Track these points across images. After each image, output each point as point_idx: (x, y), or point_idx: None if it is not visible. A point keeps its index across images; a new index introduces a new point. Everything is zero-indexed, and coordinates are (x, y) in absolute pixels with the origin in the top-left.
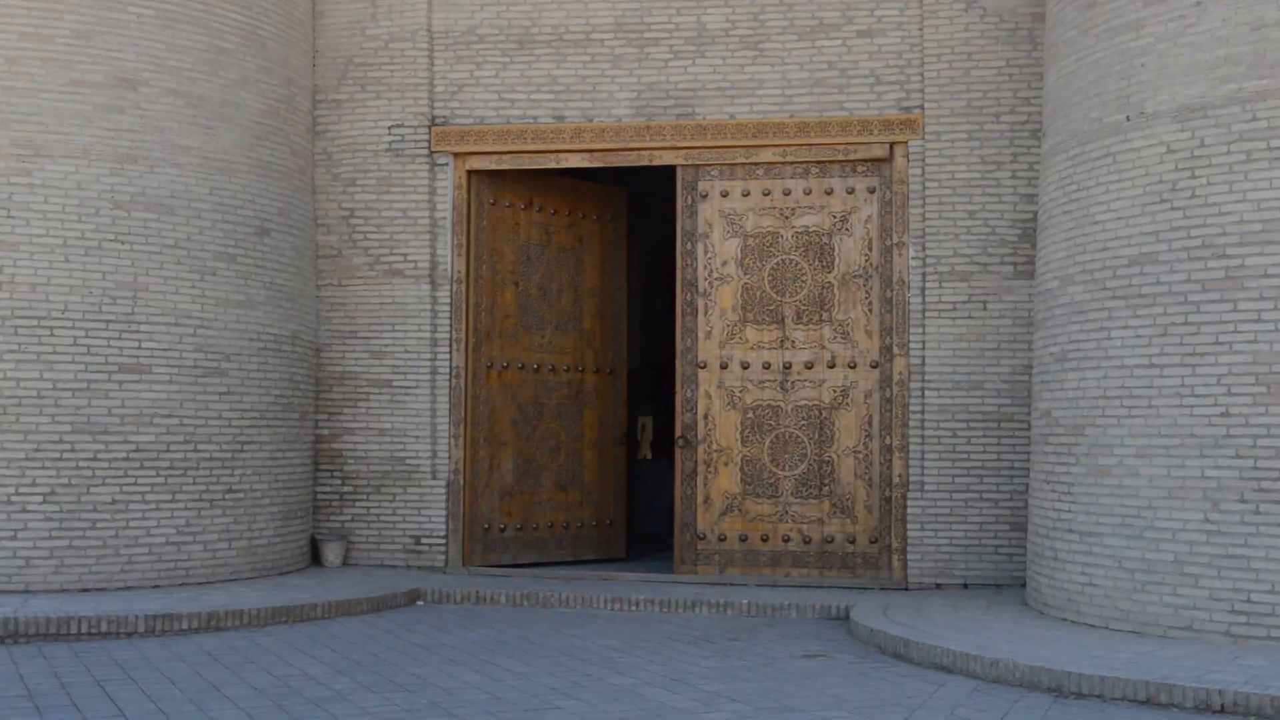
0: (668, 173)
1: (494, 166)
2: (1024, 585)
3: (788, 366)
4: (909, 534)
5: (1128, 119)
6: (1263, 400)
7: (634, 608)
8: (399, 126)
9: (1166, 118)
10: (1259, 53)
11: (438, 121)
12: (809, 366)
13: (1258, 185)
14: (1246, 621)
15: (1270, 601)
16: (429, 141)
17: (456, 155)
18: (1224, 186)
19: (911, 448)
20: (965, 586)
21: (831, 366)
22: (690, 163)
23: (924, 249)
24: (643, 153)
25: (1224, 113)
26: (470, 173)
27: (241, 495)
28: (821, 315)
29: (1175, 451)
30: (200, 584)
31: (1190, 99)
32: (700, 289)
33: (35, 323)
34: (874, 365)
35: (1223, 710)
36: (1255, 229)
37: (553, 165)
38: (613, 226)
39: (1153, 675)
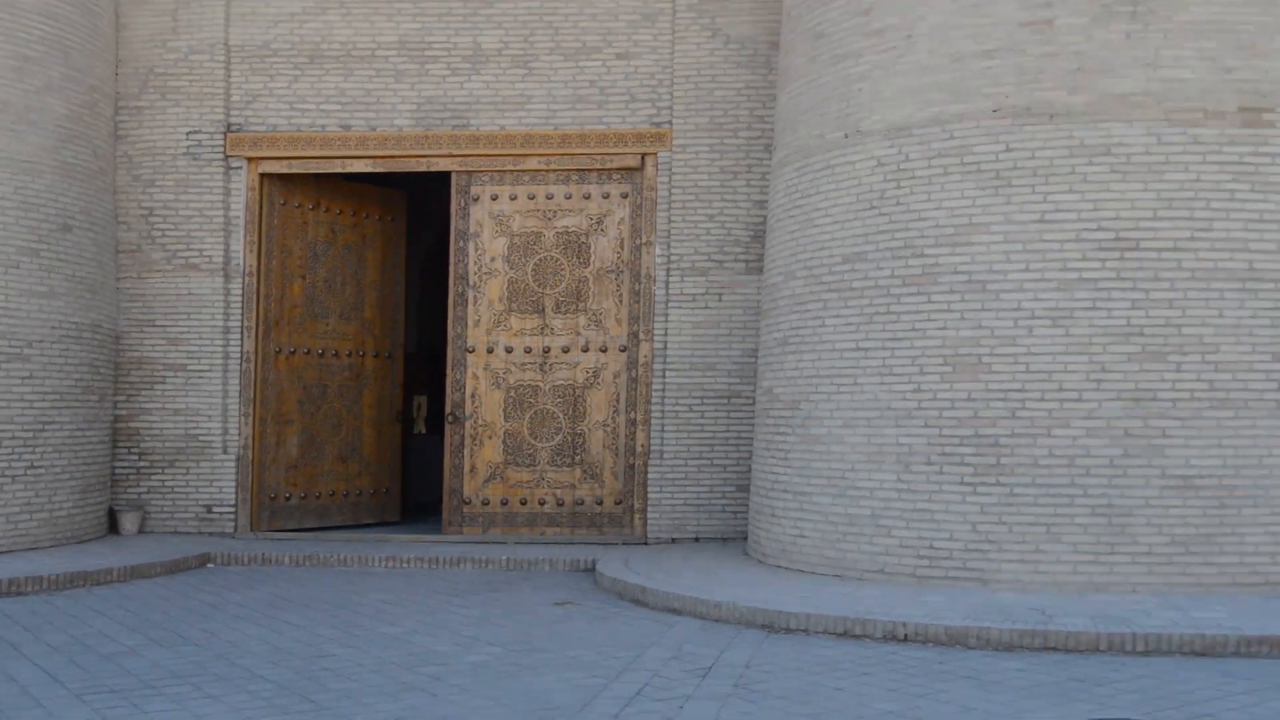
0: (444, 178)
1: (285, 170)
2: (746, 538)
3: (547, 351)
4: (649, 496)
5: (845, 136)
6: (948, 378)
7: (406, 565)
8: (196, 132)
9: (878, 136)
10: (958, 81)
11: (233, 128)
12: (565, 351)
13: (951, 195)
14: (929, 565)
15: (949, 547)
16: (224, 146)
17: (250, 159)
18: (924, 196)
19: (653, 421)
20: (697, 540)
21: (585, 350)
22: (464, 169)
23: (669, 247)
24: (422, 159)
25: (926, 132)
26: (263, 175)
27: (42, 471)
28: (578, 305)
29: (875, 422)
30: (2, 553)
31: (899, 120)
32: (471, 282)
33: None
34: (622, 349)
35: (906, 639)
36: (948, 233)
37: (339, 170)
38: (393, 226)
39: (850, 612)
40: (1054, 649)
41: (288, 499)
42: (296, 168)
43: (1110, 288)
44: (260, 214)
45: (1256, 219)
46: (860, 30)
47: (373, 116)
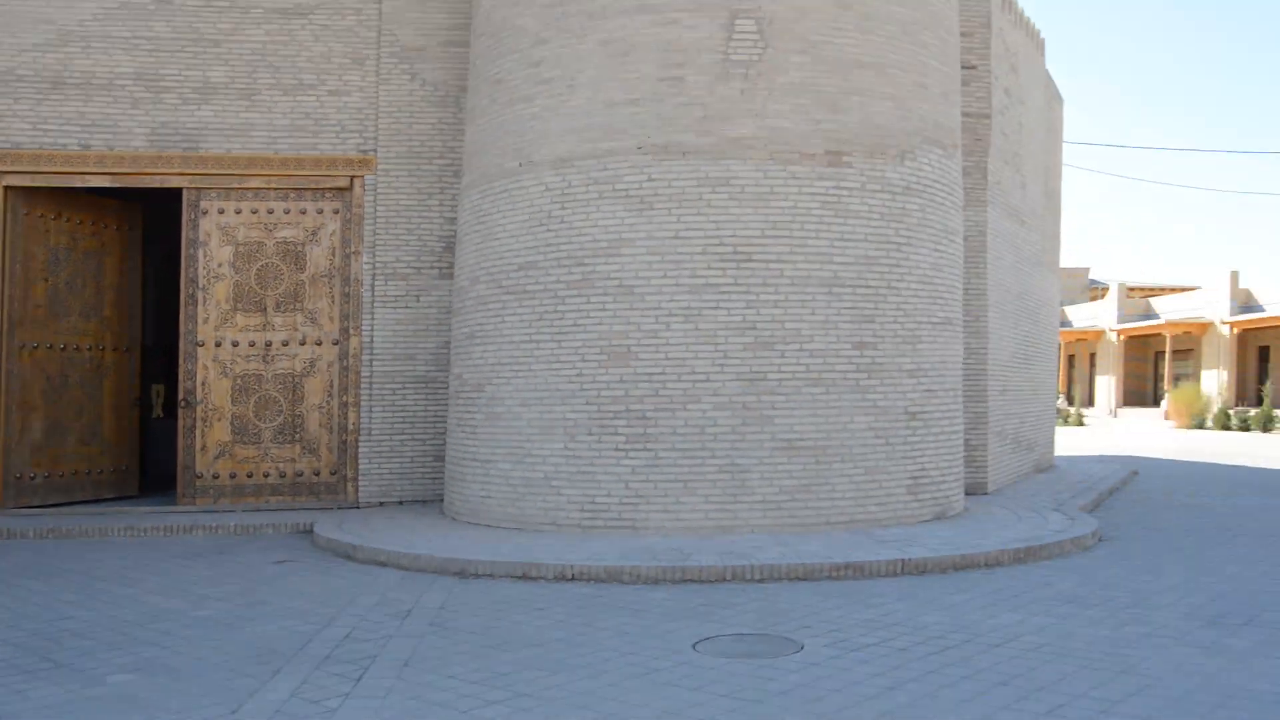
0: (177, 193)
1: (29, 184)
2: (443, 500)
3: (269, 344)
4: (360, 467)
5: (520, 165)
6: (604, 365)
7: (143, 534)
8: None
9: (546, 166)
10: (610, 123)
11: None
12: (285, 344)
13: (605, 216)
14: (592, 517)
15: (607, 502)
16: None
17: None
18: (584, 216)
19: (363, 403)
20: (401, 504)
21: (303, 344)
22: (194, 186)
23: (374, 256)
24: (155, 176)
25: (585, 164)
26: (6, 188)
27: None
28: (296, 305)
29: (546, 401)
30: None
31: (563, 153)
32: (200, 284)
33: None
34: (335, 343)
35: (573, 578)
36: (603, 246)
37: (79, 185)
38: (130, 235)
39: (527, 558)
40: (691, 581)
41: (33, 479)
42: (40, 181)
43: (730, 291)
44: (4, 223)
45: (839, 238)
46: (532, 79)
47: (111, 138)
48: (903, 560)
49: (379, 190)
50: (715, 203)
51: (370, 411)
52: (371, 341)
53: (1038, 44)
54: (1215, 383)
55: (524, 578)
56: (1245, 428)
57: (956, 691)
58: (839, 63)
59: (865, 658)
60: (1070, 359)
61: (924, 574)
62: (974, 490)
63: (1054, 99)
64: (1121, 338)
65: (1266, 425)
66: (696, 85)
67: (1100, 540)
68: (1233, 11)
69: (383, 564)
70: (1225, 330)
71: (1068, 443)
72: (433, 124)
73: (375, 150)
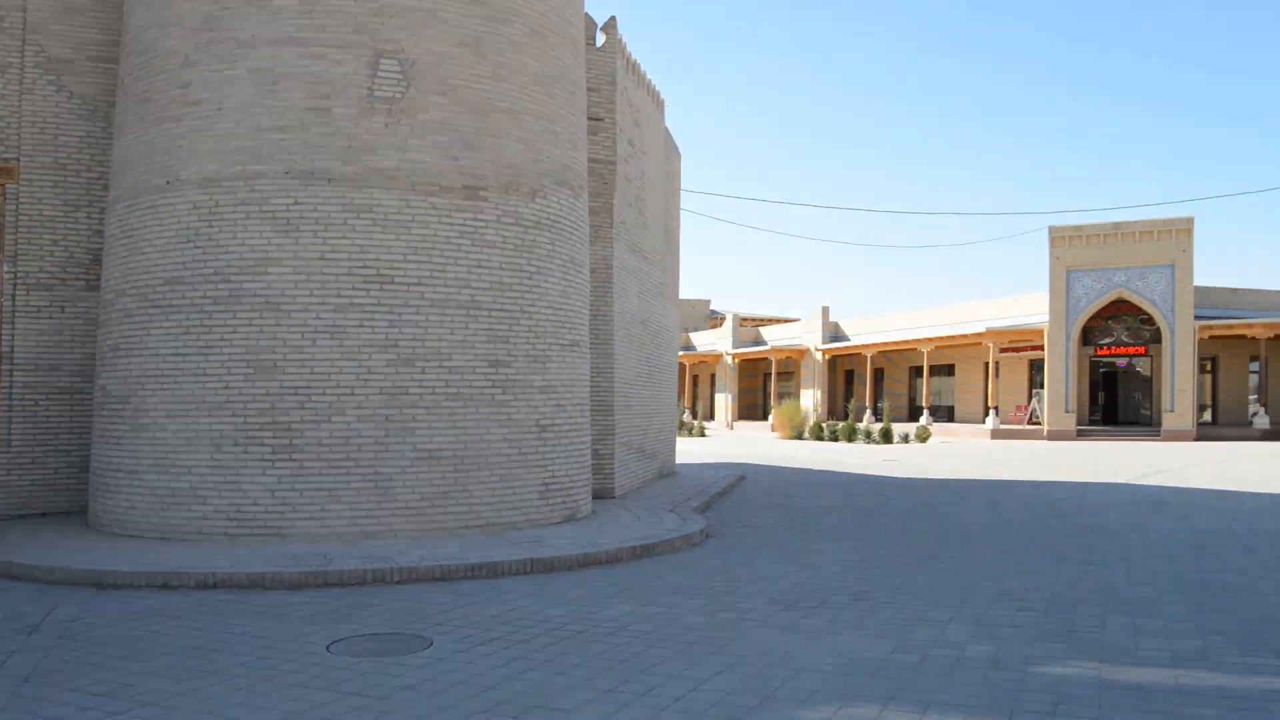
0: None
1: None
2: (88, 511)
3: None
4: None
5: (168, 183)
6: (251, 378)
7: None
8: None
9: (194, 185)
10: (257, 146)
11: None
12: None
13: (252, 235)
14: (238, 525)
15: (254, 511)
16: None
17: None
18: (231, 235)
19: (1, 414)
20: (44, 516)
21: None
22: None
23: (16, 265)
24: None
25: (233, 184)
26: None
27: None
28: None
29: (192, 413)
30: None
31: (211, 173)
32: None
33: None
34: None
35: (216, 586)
36: (250, 264)
37: None
38: None
39: (169, 567)
40: (333, 585)
41: None
42: None
43: (374, 311)
44: None
45: (476, 265)
46: (180, 100)
47: None
48: (533, 559)
49: (21, 200)
50: (360, 228)
51: (9, 423)
52: (12, 352)
53: (658, 104)
54: (811, 400)
55: (165, 587)
56: (835, 438)
57: (569, 678)
58: (476, 106)
59: (490, 651)
60: (695, 378)
61: (552, 572)
62: (602, 494)
63: (673, 152)
64: (736, 360)
65: (850, 436)
66: (343, 117)
67: (708, 537)
68: (832, 92)
69: (15, 578)
70: (819, 356)
71: (690, 450)
72: (81, 136)
73: (18, 159)
